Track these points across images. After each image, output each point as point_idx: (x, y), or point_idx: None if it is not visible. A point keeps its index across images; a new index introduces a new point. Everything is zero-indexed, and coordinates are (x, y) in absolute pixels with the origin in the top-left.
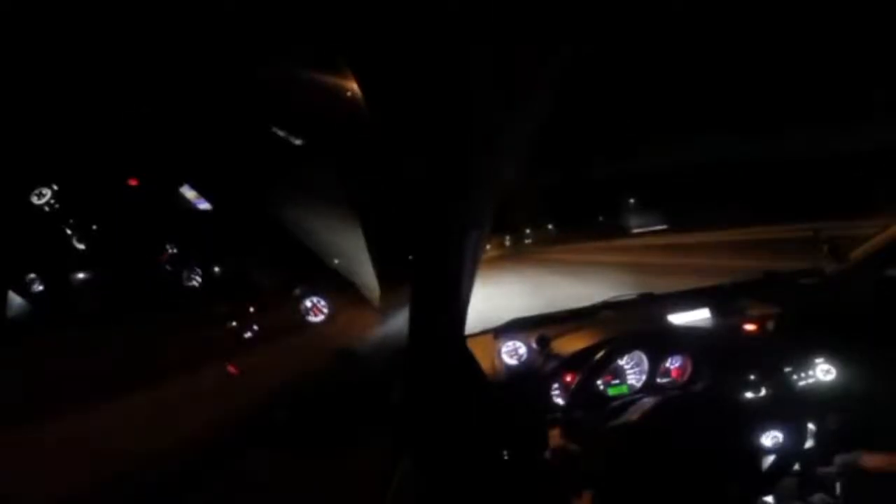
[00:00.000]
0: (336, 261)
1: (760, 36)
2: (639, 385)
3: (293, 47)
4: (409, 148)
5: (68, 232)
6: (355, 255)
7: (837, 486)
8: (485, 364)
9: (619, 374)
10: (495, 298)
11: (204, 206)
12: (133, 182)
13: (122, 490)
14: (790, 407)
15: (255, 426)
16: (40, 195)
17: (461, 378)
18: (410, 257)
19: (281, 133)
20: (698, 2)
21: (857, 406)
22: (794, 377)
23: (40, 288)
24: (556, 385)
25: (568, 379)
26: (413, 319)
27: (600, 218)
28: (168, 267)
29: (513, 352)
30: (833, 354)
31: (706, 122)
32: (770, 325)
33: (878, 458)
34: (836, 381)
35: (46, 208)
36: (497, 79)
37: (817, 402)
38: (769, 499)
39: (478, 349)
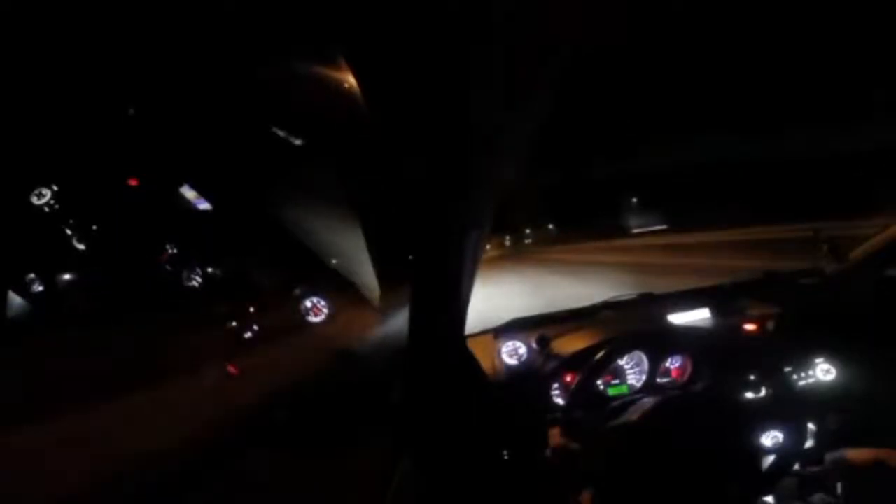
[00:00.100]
0: (336, 261)
1: (761, 36)
2: (639, 385)
3: (293, 47)
4: (409, 148)
5: (68, 232)
6: (355, 255)
7: (838, 486)
8: (485, 364)
9: (619, 374)
10: (495, 298)
11: (204, 206)
12: (133, 182)
13: (121, 490)
14: (790, 407)
15: (255, 426)
16: (40, 195)
17: (461, 378)
18: (410, 257)
19: (281, 133)
20: (698, 2)
21: (857, 406)
22: (794, 377)
23: (40, 288)
24: (556, 385)
25: (568, 379)
26: (413, 319)
27: (600, 218)
28: (168, 267)
29: (513, 352)
30: (833, 354)
31: (706, 122)
32: (770, 325)
33: (864, 452)
34: (836, 381)
35: (46, 208)
36: (497, 79)
37: (817, 402)
38: (769, 499)
39: (478, 349)
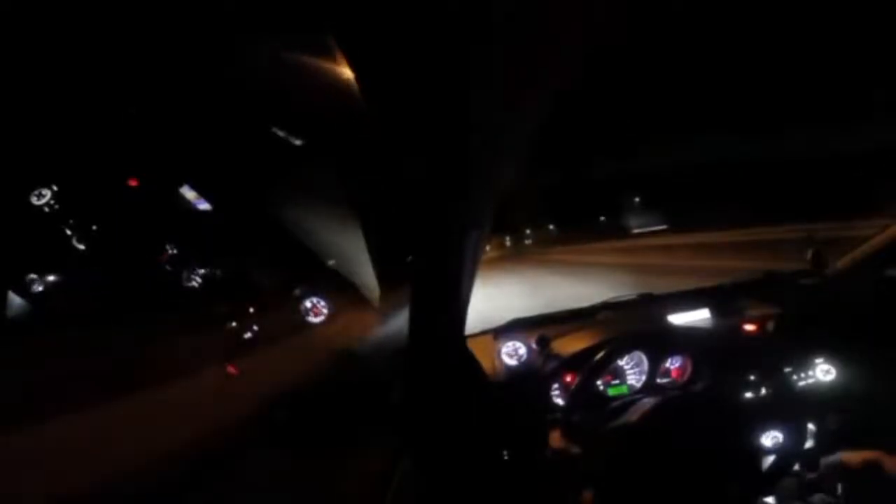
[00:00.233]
0: (336, 261)
1: (760, 36)
2: (639, 385)
3: (293, 46)
4: (409, 148)
5: (68, 232)
6: (355, 255)
7: (839, 486)
8: (485, 364)
9: (619, 374)
10: (495, 299)
11: (204, 206)
12: (133, 182)
13: (121, 490)
14: (790, 407)
15: (255, 426)
16: (40, 196)
17: (461, 378)
18: (410, 257)
19: (281, 133)
20: (699, 2)
21: (857, 406)
22: (794, 377)
23: (40, 288)
24: (556, 385)
25: (568, 379)
26: (413, 319)
27: (600, 218)
28: (168, 267)
29: (513, 352)
30: (833, 354)
31: (706, 122)
32: (770, 325)
33: (860, 455)
34: (836, 381)
35: (46, 209)
36: (497, 79)
37: (817, 402)
38: (769, 499)
39: (478, 349)
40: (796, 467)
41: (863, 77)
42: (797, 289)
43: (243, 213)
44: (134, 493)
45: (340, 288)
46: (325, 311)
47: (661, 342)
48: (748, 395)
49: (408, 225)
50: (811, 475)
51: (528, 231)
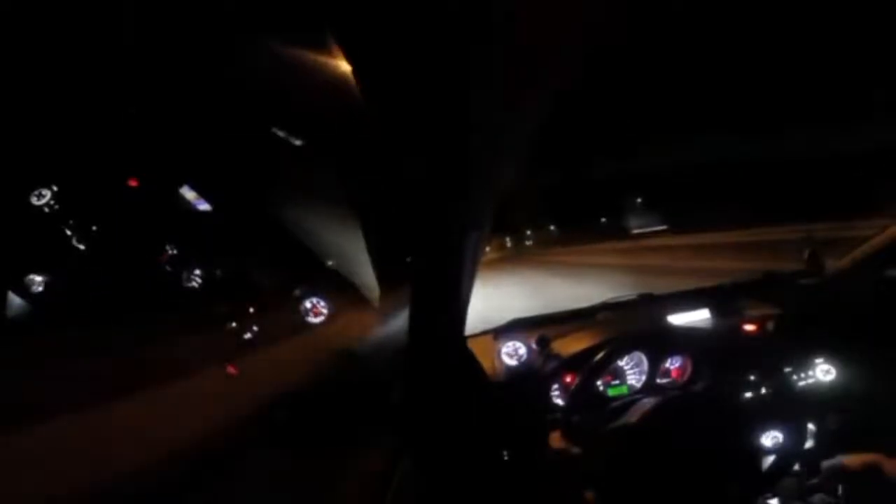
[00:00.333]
0: (336, 261)
1: (760, 36)
2: (639, 385)
3: (292, 45)
4: (409, 148)
5: (68, 232)
6: (355, 255)
7: (839, 487)
8: (485, 364)
9: (619, 374)
10: (495, 299)
11: (204, 206)
12: (133, 182)
13: (121, 490)
14: (790, 407)
15: (255, 426)
16: (40, 196)
17: (461, 378)
18: (410, 257)
19: (281, 133)
20: (699, 2)
21: (857, 406)
22: (794, 377)
23: (40, 288)
24: (555, 386)
25: (568, 379)
26: (413, 319)
27: (601, 219)
28: (168, 267)
29: (513, 352)
30: (833, 354)
31: (706, 122)
32: (770, 325)
33: (860, 458)
34: (836, 381)
35: (46, 209)
36: (497, 79)
37: (817, 402)
38: (769, 499)
39: (478, 349)
40: (796, 467)
41: (863, 77)
42: (797, 289)
43: (243, 214)
44: (134, 493)
45: (340, 288)
46: (325, 311)
47: (661, 342)
48: (748, 395)
49: (408, 225)
50: (812, 479)
51: (528, 231)
